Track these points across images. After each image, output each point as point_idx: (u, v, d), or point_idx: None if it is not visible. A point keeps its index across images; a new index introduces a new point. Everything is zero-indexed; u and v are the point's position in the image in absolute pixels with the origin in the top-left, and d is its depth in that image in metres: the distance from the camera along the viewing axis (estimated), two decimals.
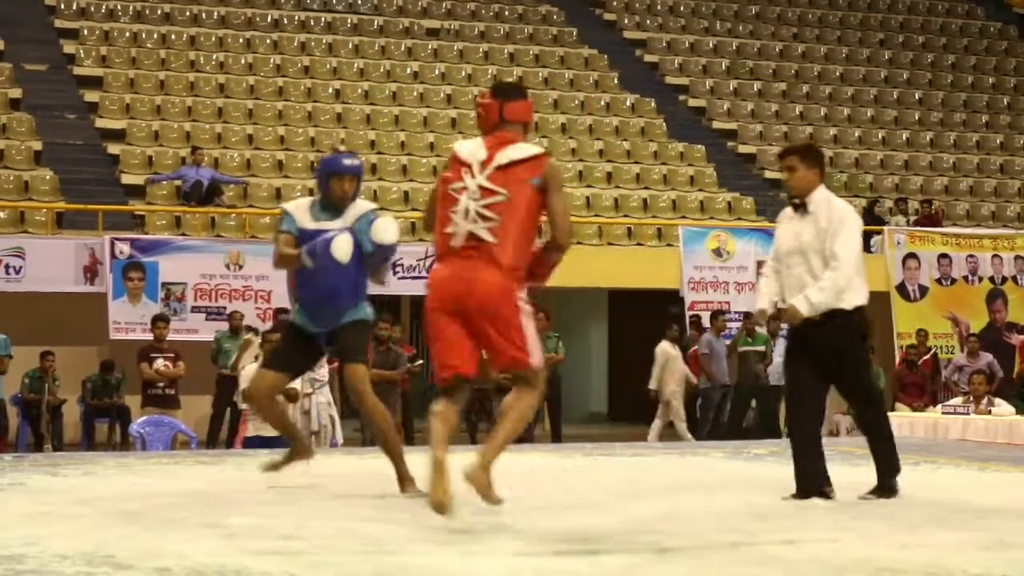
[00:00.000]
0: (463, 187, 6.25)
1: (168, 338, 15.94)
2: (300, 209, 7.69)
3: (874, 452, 7.62)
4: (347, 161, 7.68)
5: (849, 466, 9.61)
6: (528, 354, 6.44)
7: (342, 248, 7.37)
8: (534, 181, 6.25)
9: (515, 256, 6.27)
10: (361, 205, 7.67)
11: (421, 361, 17.28)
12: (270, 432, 11.84)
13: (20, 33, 23.52)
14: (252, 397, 8.11)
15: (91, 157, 21.05)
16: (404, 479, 7.58)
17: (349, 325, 7.62)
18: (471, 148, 6.38)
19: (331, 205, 7.60)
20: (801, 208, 7.51)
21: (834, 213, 7.41)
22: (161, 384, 15.01)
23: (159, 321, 15.63)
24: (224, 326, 16.81)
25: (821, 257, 7.37)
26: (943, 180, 24.87)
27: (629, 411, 20.83)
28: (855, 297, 7.39)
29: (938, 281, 20.69)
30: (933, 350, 19.75)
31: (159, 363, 15.08)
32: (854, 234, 7.44)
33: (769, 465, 9.64)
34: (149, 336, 16.29)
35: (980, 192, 24.85)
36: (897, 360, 19.62)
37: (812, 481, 7.44)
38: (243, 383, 12.26)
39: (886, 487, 7.49)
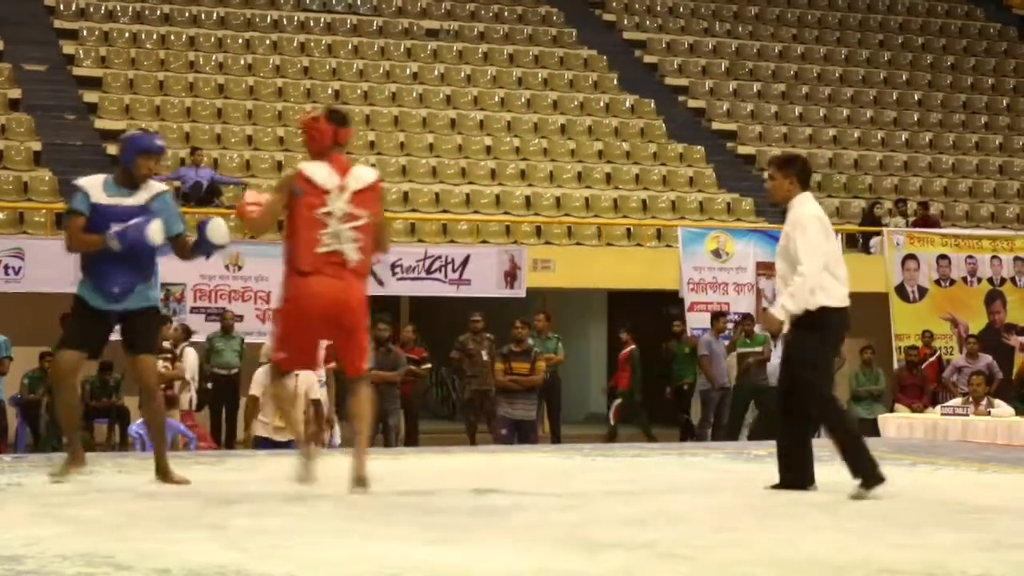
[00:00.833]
0: (328, 212, 7.27)
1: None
2: (94, 185, 7.88)
3: (840, 453, 7.67)
4: (158, 141, 8.14)
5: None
6: (367, 360, 7.69)
7: (158, 233, 7.71)
8: (377, 201, 7.48)
9: (369, 267, 7.45)
10: (154, 185, 7.98)
11: (430, 365, 17.30)
12: (280, 436, 11.84)
13: (20, 33, 23.52)
14: (54, 377, 8.28)
15: (91, 158, 21.02)
16: (165, 471, 7.93)
17: (141, 312, 7.96)
18: (323, 174, 7.30)
19: (127, 183, 7.85)
20: (785, 215, 7.88)
21: (795, 218, 7.66)
22: (161, 385, 14.97)
23: (165, 322, 15.56)
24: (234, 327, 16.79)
25: (786, 261, 7.66)
26: (942, 181, 24.87)
27: (629, 411, 20.82)
28: (821, 298, 7.54)
29: (937, 282, 20.69)
30: (938, 352, 19.76)
31: (159, 364, 15.03)
32: (814, 237, 7.58)
33: (769, 465, 9.63)
34: None
35: (979, 193, 24.85)
36: (894, 360, 19.65)
37: (798, 475, 7.73)
38: (253, 388, 12.26)
39: (867, 478, 7.51)
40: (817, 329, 7.56)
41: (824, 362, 7.78)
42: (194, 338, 16.68)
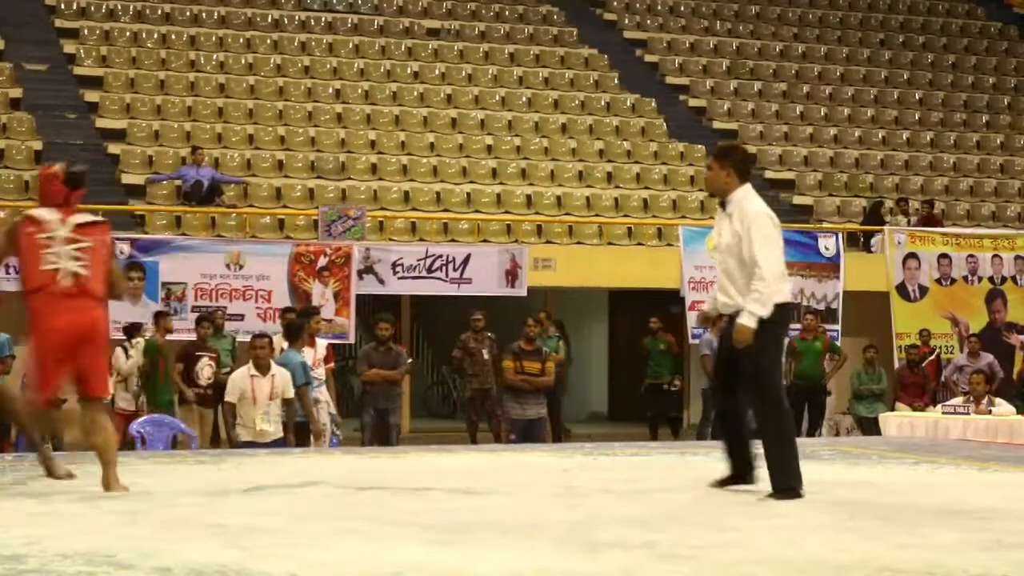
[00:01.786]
0: (51, 237, 7.54)
1: (168, 338, 15.91)
2: None
3: (764, 452, 7.51)
4: None
5: (848, 465, 9.64)
6: (107, 384, 8.00)
7: None
8: (106, 238, 7.80)
9: (104, 290, 7.67)
10: None
11: (411, 360, 17.26)
12: (262, 439, 11.84)
13: (20, 33, 23.52)
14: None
15: (91, 157, 21.02)
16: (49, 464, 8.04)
17: None
18: (47, 213, 7.63)
19: None
20: (723, 207, 7.69)
21: (745, 216, 7.48)
22: (204, 384, 14.92)
23: (203, 321, 15.47)
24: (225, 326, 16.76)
25: (737, 259, 7.48)
26: (943, 180, 24.87)
27: (629, 411, 20.84)
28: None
29: (938, 281, 20.68)
30: (937, 351, 19.75)
31: (204, 362, 14.89)
32: (769, 236, 7.46)
33: None
34: (147, 336, 16.33)
35: (980, 192, 24.85)
36: (895, 359, 19.64)
37: (740, 467, 7.71)
38: (228, 395, 12.25)
39: (781, 489, 7.36)
40: (764, 325, 7.39)
41: (773, 359, 7.62)
42: (187, 336, 16.56)
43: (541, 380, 14.87)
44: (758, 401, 7.56)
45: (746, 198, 7.57)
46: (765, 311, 7.36)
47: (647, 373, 18.90)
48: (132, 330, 15.83)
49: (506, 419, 15.35)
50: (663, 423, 18.89)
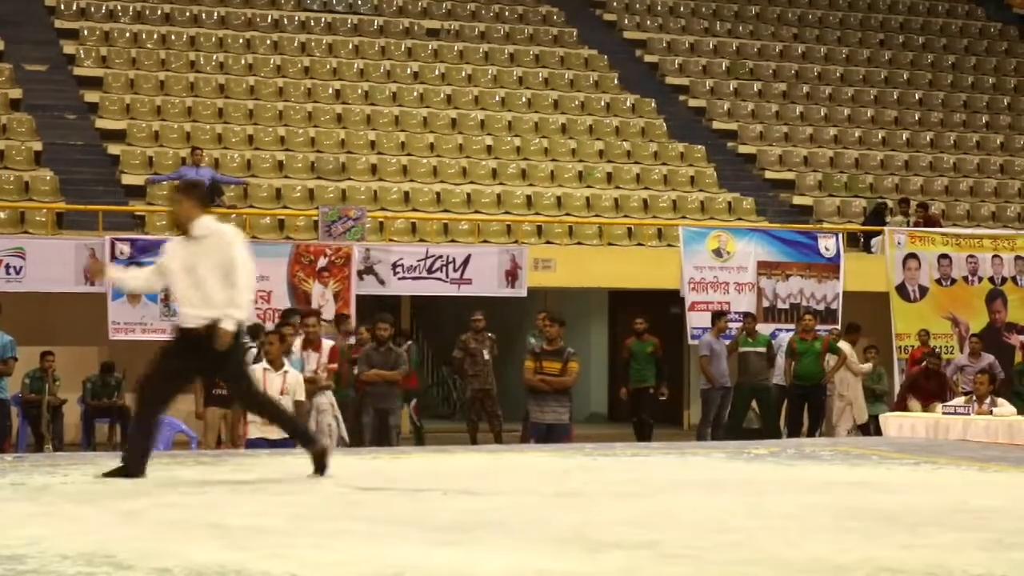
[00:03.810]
0: None
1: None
2: None
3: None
4: None
5: (849, 465, 9.64)
6: None
7: None
8: None
9: None
10: None
11: (410, 342, 17.24)
12: (274, 435, 11.84)
13: (20, 33, 23.52)
14: None
15: (91, 157, 21.06)
16: None
17: None
18: None
19: None
20: (186, 234, 8.52)
21: (225, 236, 8.41)
22: None
23: None
24: None
25: (218, 276, 8.34)
26: (943, 180, 24.87)
27: (629, 411, 20.81)
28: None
29: (938, 281, 20.66)
30: (936, 351, 19.69)
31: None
32: (248, 257, 8.37)
33: (769, 465, 9.65)
34: (147, 336, 16.37)
35: (980, 192, 24.85)
36: (895, 360, 19.60)
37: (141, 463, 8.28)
38: None
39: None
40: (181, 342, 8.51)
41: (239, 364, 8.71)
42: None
43: (560, 380, 14.44)
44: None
45: (216, 223, 8.49)
46: (245, 316, 8.36)
47: (630, 376, 18.68)
48: (256, 331, 15.67)
49: (528, 423, 15.07)
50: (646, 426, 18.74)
